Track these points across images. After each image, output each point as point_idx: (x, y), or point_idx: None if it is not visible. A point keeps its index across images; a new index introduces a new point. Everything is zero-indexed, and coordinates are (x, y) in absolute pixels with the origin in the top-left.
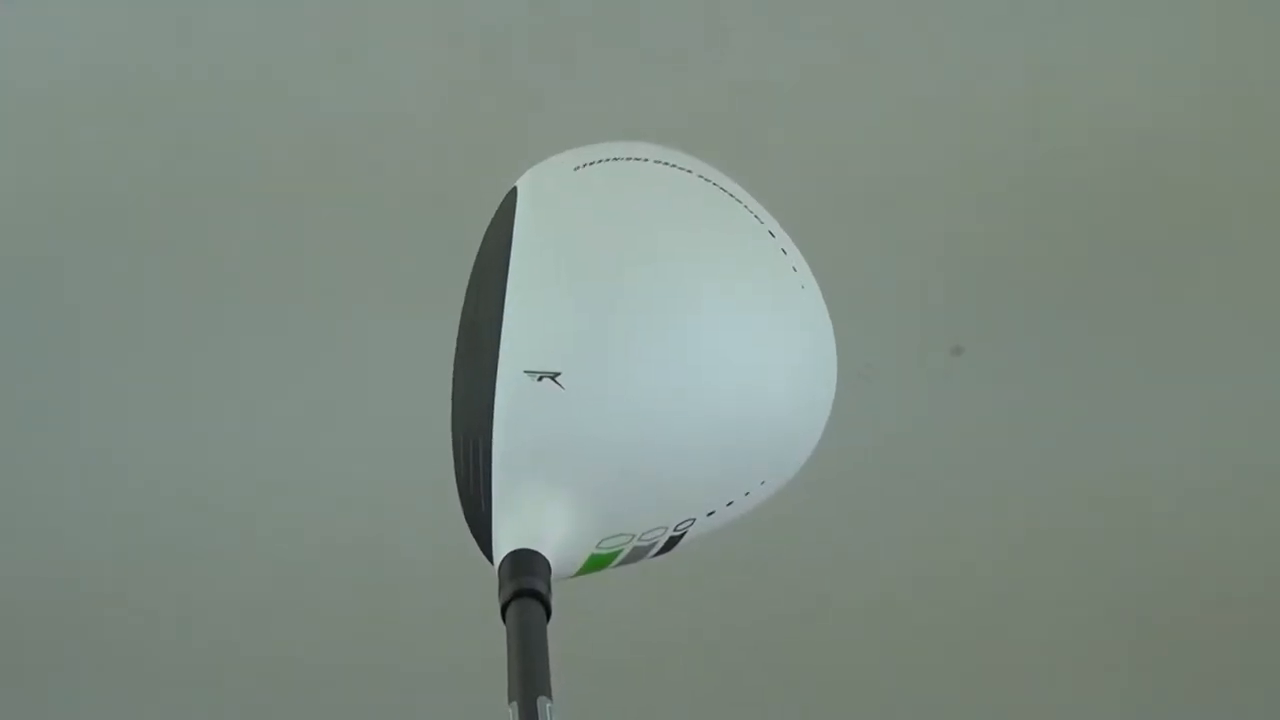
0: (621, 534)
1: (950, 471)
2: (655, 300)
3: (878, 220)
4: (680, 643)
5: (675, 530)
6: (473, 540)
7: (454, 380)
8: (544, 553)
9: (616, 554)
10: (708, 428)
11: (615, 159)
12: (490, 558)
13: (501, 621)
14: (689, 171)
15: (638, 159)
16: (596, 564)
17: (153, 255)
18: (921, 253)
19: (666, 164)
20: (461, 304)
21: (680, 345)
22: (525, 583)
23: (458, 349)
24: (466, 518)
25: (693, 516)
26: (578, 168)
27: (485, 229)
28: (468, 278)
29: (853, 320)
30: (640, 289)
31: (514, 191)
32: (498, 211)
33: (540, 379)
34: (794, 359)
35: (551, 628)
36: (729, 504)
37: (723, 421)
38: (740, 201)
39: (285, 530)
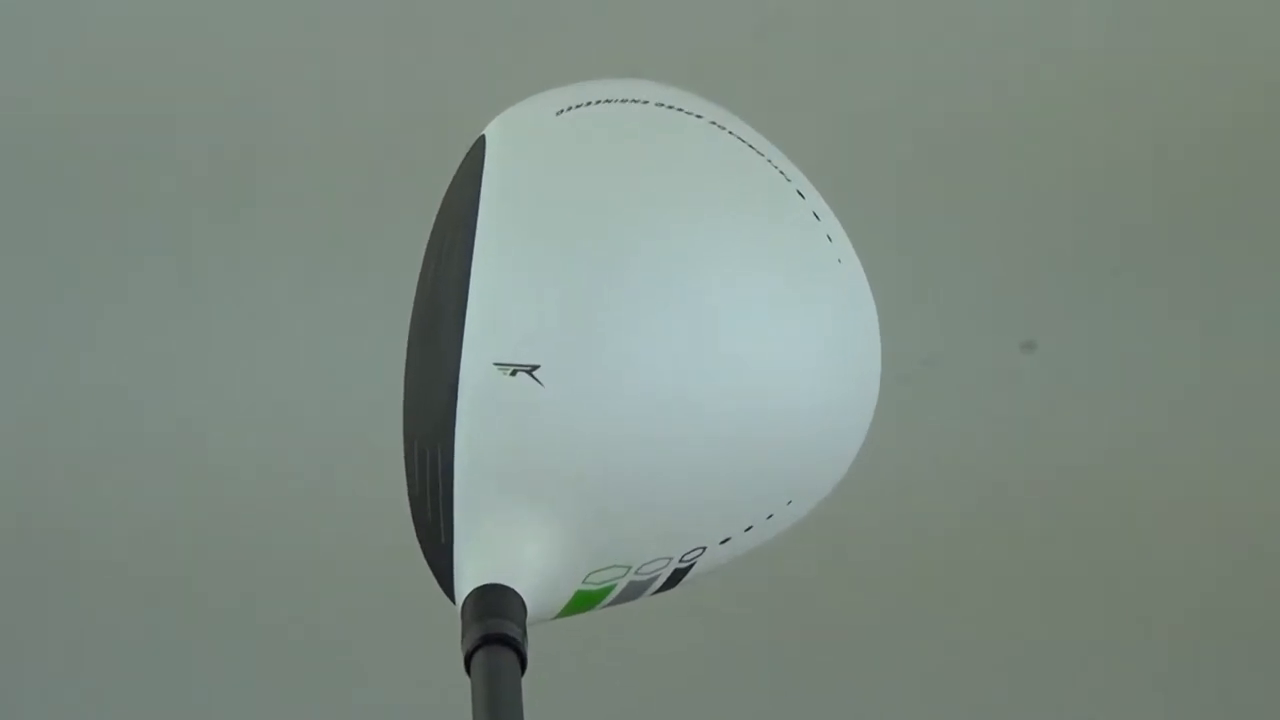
0: (615, 565)
1: (1017, 486)
2: (656, 277)
3: (935, 183)
4: (699, 661)
5: (682, 561)
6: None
7: (406, 376)
8: (518, 589)
9: (608, 590)
10: (722, 434)
11: (608, 101)
12: (451, 595)
13: (465, 674)
14: (699, 117)
15: (635, 101)
16: (584, 602)
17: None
18: (989, 223)
19: (671, 108)
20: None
21: (687, 332)
22: (495, 626)
23: (411, 337)
24: (422, 546)
25: (703, 545)
26: (561, 111)
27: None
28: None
29: (904, 305)
30: (637, 263)
31: (482, 140)
32: (462, 164)
33: (513, 373)
34: (828, 350)
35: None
36: (748, 529)
37: (740, 427)
38: (763, 154)
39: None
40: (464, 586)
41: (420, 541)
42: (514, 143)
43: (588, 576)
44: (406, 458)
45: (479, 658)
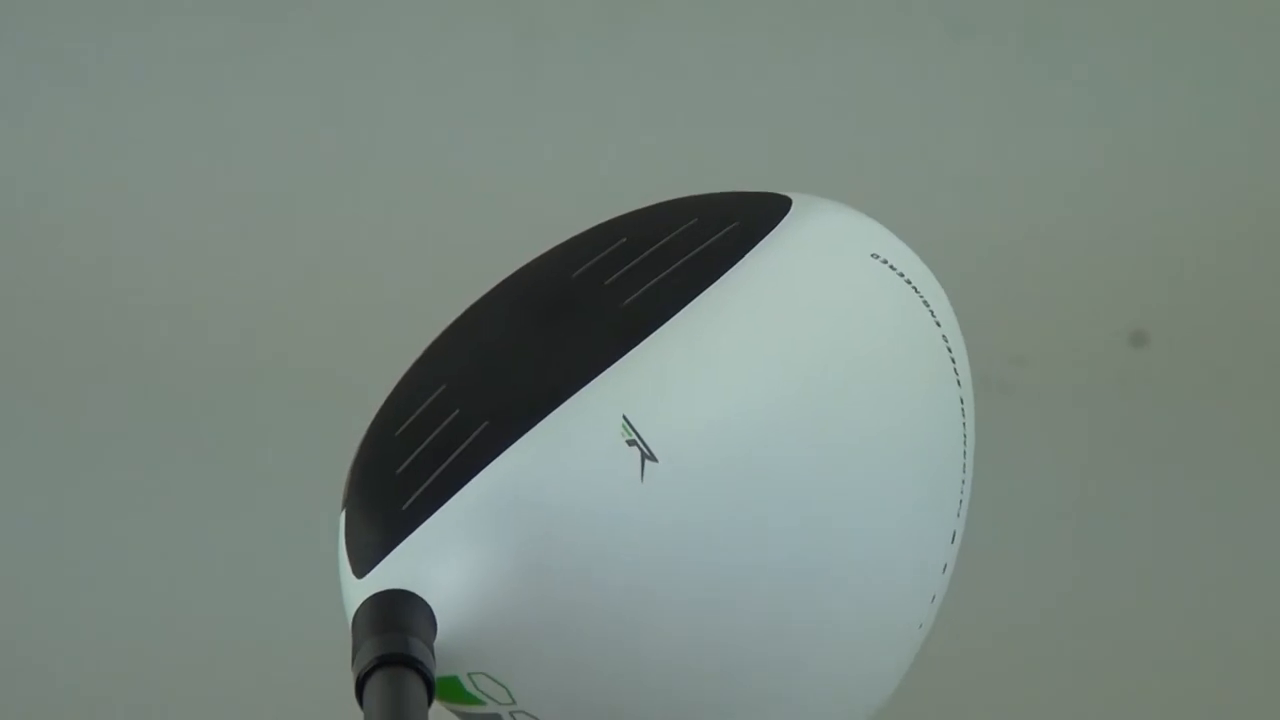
0: (499, 682)
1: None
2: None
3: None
4: None
5: None
6: None
7: (474, 317)
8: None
9: (476, 702)
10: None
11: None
12: (357, 571)
13: (356, 702)
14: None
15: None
16: (453, 693)
17: None
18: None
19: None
20: None
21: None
22: (398, 644)
23: (507, 296)
24: (363, 476)
25: None
26: (875, 256)
27: None
28: None
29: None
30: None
31: (783, 205)
32: (726, 205)
33: (631, 443)
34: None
35: None
36: None
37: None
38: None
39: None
40: (381, 580)
41: (360, 475)
42: (813, 244)
43: (470, 674)
44: (420, 381)
45: (377, 682)
